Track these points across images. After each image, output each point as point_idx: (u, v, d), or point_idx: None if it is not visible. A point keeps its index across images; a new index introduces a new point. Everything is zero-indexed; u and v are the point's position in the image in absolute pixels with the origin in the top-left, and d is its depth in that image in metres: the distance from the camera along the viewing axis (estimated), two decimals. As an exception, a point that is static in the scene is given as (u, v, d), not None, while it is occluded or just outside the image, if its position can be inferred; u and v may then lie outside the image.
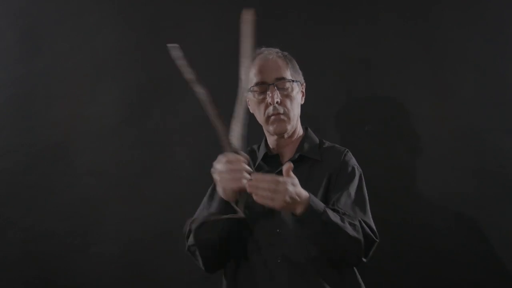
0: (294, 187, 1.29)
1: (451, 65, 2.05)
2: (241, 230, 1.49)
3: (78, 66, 2.16)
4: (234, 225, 1.41)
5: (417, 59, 2.06)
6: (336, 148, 1.61)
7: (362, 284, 1.51)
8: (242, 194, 1.34)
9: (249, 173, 1.32)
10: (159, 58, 2.13)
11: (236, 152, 1.33)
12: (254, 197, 1.27)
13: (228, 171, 1.31)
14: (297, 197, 1.29)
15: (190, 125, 2.10)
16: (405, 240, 1.97)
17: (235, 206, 1.32)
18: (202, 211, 1.53)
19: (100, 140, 2.13)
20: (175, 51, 1.32)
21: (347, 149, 1.60)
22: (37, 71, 2.16)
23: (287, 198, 1.27)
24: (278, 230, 1.46)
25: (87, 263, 2.07)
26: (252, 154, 1.66)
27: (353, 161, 1.58)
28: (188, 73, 1.31)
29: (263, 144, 1.65)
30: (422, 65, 2.06)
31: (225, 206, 1.37)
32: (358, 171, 1.56)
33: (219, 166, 1.33)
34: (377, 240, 1.44)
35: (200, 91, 1.31)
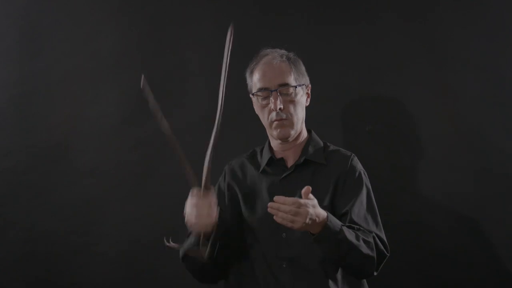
0: (314, 209, 1.30)
1: (451, 65, 2.05)
2: (245, 235, 1.51)
3: (79, 66, 2.16)
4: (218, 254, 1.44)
5: (417, 59, 2.06)
6: (341, 152, 1.59)
7: None
8: (206, 237, 1.40)
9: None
10: (159, 58, 2.13)
11: (204, 187, 1.38)
12: (274, 218, 1.29)
13: (195, 216, 1.38)
14: (316, 219, 1.30)
15: (190, 125, 2.09)
16: (405, 240, 1.97)
17: (200, 247, 1.41)
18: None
19: (100, 141, 2.12)
20: (145, 84, 1.37)
21: (353, 154, 1.58)
22: (37, 71, 2.16)
23: (308, 221, 1.28)
24: (283, 235, 1.46)
25: (87, 263, 2.07)
26: (254, 157, 1.64)
27: (359, 166, 1.56)
28: (154, 106, 1.33)
29: (266, 147, 1.62)
30: (422, 65, 2.05)
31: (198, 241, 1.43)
32: (365, 177, 1.55)
33: (188, 208, 1.39)
34: (388, 254, 1.45)
35: (165, 126, 1.34)
